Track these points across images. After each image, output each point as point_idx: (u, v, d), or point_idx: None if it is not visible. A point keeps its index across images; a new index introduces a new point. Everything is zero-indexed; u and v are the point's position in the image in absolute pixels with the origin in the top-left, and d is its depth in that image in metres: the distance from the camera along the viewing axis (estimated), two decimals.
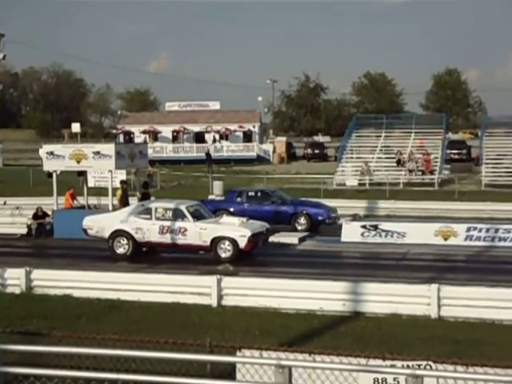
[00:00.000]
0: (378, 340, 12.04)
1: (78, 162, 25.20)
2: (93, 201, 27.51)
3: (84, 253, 22.06)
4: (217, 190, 38.49)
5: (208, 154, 57.66)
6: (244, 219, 21.44)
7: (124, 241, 21.16)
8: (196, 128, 69.20)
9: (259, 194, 27.52)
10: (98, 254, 21.67)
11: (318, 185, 39.63)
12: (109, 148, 25.40)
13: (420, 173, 44.72)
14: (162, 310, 14.38)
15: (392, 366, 7.19)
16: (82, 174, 27.55)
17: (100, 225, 21.75)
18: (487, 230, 22.88)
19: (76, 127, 63.28)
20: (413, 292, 14.21)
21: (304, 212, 26.25)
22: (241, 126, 69.11)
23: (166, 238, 20.84)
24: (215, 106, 72.97)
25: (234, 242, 20.24)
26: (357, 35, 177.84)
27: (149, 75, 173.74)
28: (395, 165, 45.99)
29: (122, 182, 26.39)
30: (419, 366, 7.18)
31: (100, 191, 28.25)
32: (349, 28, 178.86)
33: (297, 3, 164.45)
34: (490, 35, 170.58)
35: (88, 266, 18.35)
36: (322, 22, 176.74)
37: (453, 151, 55.41)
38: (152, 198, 26.66)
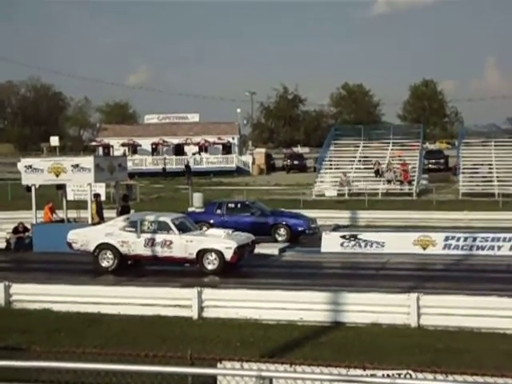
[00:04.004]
0: (358, 349, 12.09)
1: (57, 176, 25.10)
2: (72, 214, 27.41)
3: (64, 267, 21.93)
4: (197, 201, 38.45)
5: (187, 166, 57.68)
6: (229, 231, 21.46)
7: (109, 254, 21.05)
8: (175, 140, 69.23)
9: (239, 205, 27.56)
10: (77, 267, 21.58)
11: (297, 196, 39.84)
12: (88, 161, 25.32)
13: (398, 183, 45.03)
14: (142, 323, 14.33)
15: (372, 376, 7.21)
16: (61, 187, 27.44)
17: (85, 238, 21.61)
18: (465, 239, 23.09)
19: (55, 141, 63.02)
20: (392, 301, 14.27)
21: (284, 223, 26.34)
22: (220, 138, 69.26)
23: (152, 251, 20.77)
24: (194, 118, 73.11)
25: (219, 253, 20.23)
26: (334, 47, 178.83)
27: (128, 88, 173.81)
28: (374, 175, 46.29)
29: (95, 196, 26.29)
30: (399, 374, 7.21)
31: (79, 204, 28.15)
32: (326, 40, 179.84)
33: (275, 16, 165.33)
34: (466, 46, 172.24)
35: (68, 280, 18.24)
36: (299, 35, 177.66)
37: (430, 161, 55.93)
38: (132, 211, 26.62)
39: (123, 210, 26.14)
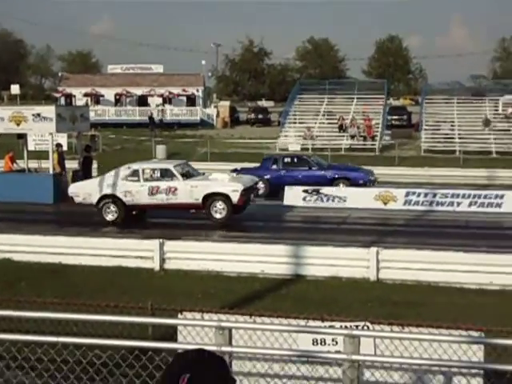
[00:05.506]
0: (318, 302, 12.24)
1: (18, 125, 24.71)
2: (33, 164, 27.11)
3: (25, 217, 21.76)
4: (160, 153, 38.35)
5: (151, 118, 57.19)
6: (234, 174, 21.36)
7: (113, 206, 20.69)
8: (139, 91, 68.39)
9: (295, 159, 27.18)
10: (39, 217, 21.44)
11: (261, 149, 39.80)
12: (49, 110, 24.97)
13: (362, 138, 45.24)
14: (103, 274, 14.34)
15: (330, 327, 7.33)
16: (22, 136, 27.06)
17: (86, 191, 21.18)
18: (425, 195, 23.42)
19: (15, 89, 61.84)
20: (352, 255, 14.46)
21: (344, 176, 25.97)
22: (184, 90, 68.56)
23: (157, 199, 20.49)
24: (158, 69, 72.16)
25: (226, 197, 20.04)
26: (300, 1, 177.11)
27: (91, 37, 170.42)
28: (337, 130, 46.41)
29: (57, 145, 25.97)
30: (357, 326, 7.33)
31: (40, 154, 27.83)
32: None
33: None
34: (431, 2, 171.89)
35: (29, 230, 18.11)
36: None
37: (394, 117, 56.05)
38: (94, 162, 26.42)
39: (85, 161, 25.95)
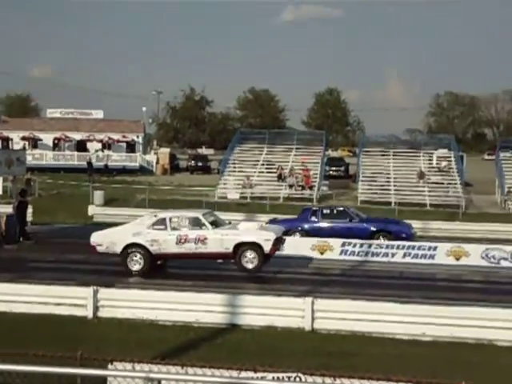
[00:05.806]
0: (253, 352, 12.19)
1: None
2: None
3: None
4: (97, 199, 37.95)
5: (89, 163, 56.74)
6: (262, 223, 21.07)
7: (138, 255, 19.99)
8: (78, 136, 67.88)
9: (335, 211, 26.74)
10: None
11: (200, 197, 39.76)
12: None
13: (300, 188, 45.68)
14: (34, 322, 14.00)
15: (262, 378, 7.29)
16: None
17: (110, 240, 20.38)
18: (361, 246, 23.68)
19: None
20: (288, 305, 14.47)
21: (386, 229, 25.62)
22: (124, 136, 68.36)
23: (185, 248, 19.95)
24: (98, 114, 71.97)
25: (258, 247, 19.66)
26: (243, 52, 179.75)
27: (30, 81, 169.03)
28: (276, 179, 46.80)
29: None
30: (289, 378, 7.32)
31: None
32: (235, 44, 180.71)
33: (186, 17, 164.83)
34: (369, 58, 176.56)
35: None
36: (208, 37, 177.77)
37: (332, 168, 56.88)
38: (29, 206, 25.95)
39: (20, 206, 25.51)
